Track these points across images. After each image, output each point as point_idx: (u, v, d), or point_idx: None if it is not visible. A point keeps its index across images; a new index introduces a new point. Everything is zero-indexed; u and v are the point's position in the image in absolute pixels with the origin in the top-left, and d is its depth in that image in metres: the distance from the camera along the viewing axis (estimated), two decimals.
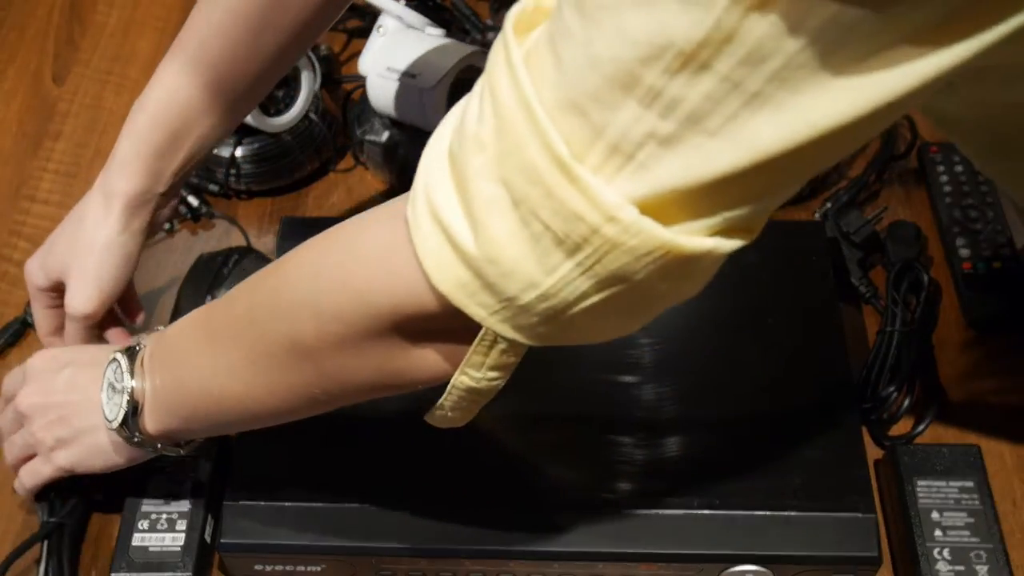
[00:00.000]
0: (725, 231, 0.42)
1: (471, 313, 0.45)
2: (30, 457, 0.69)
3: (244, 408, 0.58)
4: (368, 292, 0.49)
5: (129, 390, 0.61)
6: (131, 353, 0.62)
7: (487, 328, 0.46)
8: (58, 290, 0.73)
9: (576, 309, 0.44)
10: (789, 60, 0.36)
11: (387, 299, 0.48)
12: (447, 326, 0.48)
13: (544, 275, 0.43)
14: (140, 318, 0.79)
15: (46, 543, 0.70)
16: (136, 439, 0.62)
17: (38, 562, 0.70)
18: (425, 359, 0.51)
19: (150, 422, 0.62)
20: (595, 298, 0.43)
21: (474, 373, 0.49)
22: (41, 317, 0.75)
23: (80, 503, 0.72)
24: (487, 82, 0.43)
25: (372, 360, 0.51)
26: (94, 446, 0.66)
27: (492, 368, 0.49)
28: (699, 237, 0.42)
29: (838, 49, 0.36)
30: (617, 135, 0.39)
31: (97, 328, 0.74)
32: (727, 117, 0.38)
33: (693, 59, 0.37)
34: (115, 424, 0.62)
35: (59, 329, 0.75)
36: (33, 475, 0.69)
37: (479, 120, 0.43)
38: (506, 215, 0.42)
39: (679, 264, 0.42)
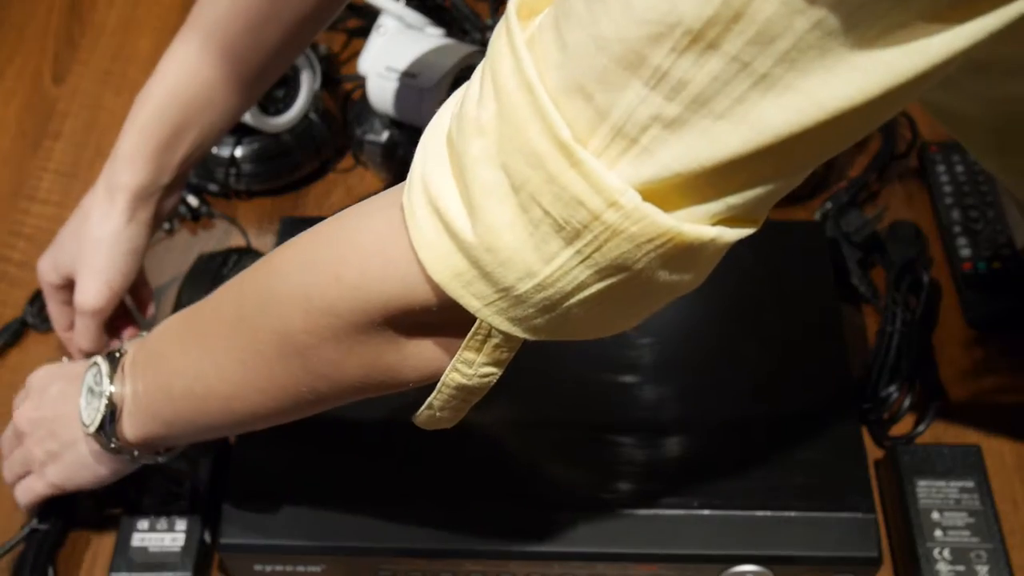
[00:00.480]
0: (728, 220, 0.42)
1: (465, 304, 0.44)
2: (28, 473, 0.69)
3: (230, 410, 0.57)
4: (361, 284, 0.48)
5: (108, 394, 0.60)
6: (112, 358, 0.61)
7: (481, 321, 0.45)
8: (71, 287, 0.73)
9: (573, 300, 0.43)
10: (799, 40, 0.35)
11: (380, 291, 0.47)
12: (442, 320, 0.47)
13: (542, 264, 0.42)
14: (151, 310, 0.79)
15: (24, 547, 0.70)
16: (113, 445, 0.62)
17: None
18: (418, 355, 0.50)
19: (129, 428, 0.61)
20: (593, 288, 0.43)
21: (466, 369, 0.48)
22: (57, 314, 0.75)
23: (62, 510, 0.71)
24: (488, 66, 0.42)
25: (364, 356, 0.50)
26: (77, 459, 0.65)
27: (485, 364, 0.48)
28: (702, 225, 0.41)
29: (850, 29, 0.35)
30: (621, 118, 0.39)
31: (109, 324, 0.74)
32: (734, 99, 0.37)
33: (701, 38, 0.36)
34: (92, 428, 0.61)
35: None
36: (27, 491, 0.68)
37: (479, 104, 0.42)
38: (505, 201, 0.41)
39: (681, 253, 0.41)
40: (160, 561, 0.68)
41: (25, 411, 0.67)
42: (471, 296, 0.44)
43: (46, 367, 0.70)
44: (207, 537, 0.70)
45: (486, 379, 0.49)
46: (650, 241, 0.40)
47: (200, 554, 0.69)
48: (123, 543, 0.69)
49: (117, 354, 0.62)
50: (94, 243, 0.71)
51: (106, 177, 0.71)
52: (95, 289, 0.71)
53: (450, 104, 0.46)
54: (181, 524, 0.69)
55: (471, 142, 0.42)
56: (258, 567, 0.68)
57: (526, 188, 0.41)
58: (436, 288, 0.45)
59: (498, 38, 0.42)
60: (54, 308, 0.75)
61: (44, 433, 0.66)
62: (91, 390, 0.62)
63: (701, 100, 0.37)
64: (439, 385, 0.49)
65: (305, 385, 0.53)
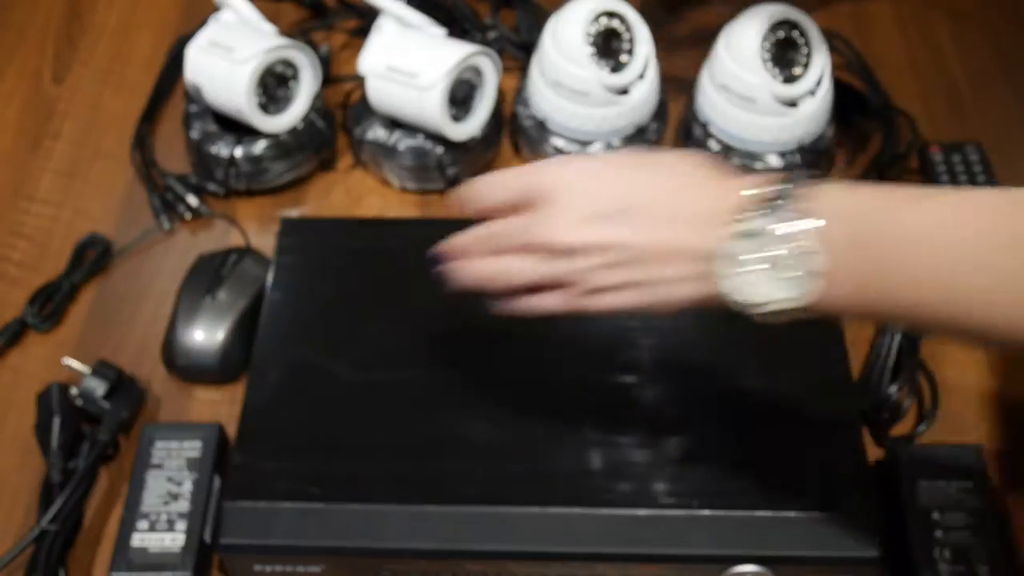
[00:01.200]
0: None
1: None
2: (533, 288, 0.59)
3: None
4: None
5: (817, 278, 0.50)
6: (787, 201, 0.51)
7: None
8: None
9: None
10: None
11: None
12: None
13: None
14: None
15: (35, 548, 0.70)
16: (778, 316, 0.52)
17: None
18: None
19: (808, 301, 0.51)
20: None
21: None
22: None
23: (71, 511, 0.71)
24: None
25: None
26: (676, 296, 0.56)
27: None
28: None
29: None
30: None
31: None
32: None
33: None
34: (769, 308, 0.52)
35: None
36: (552, 304, 0.59)
37: None
38: None
39: None
40: (160, 561, 0.68)
41: (578, 232, 0.57)
42: None
43: (573, 169, 0.59)
44: (207, 537, 0.70)
45: None
46: None
47: (200, 554, 0.69)
48: (123, 543, 0.69)
49: (786, 195, 0.52)
50: None
51: None
52: None
53: None
54: (181, 524, 0.69)
55: None
56: (258, 567, 0.68)
57: None
58: None
59: None
60: None
61: (626, 258, 0.56)
62: (776, 262, 0.52)
63: None
64: None
65: None
